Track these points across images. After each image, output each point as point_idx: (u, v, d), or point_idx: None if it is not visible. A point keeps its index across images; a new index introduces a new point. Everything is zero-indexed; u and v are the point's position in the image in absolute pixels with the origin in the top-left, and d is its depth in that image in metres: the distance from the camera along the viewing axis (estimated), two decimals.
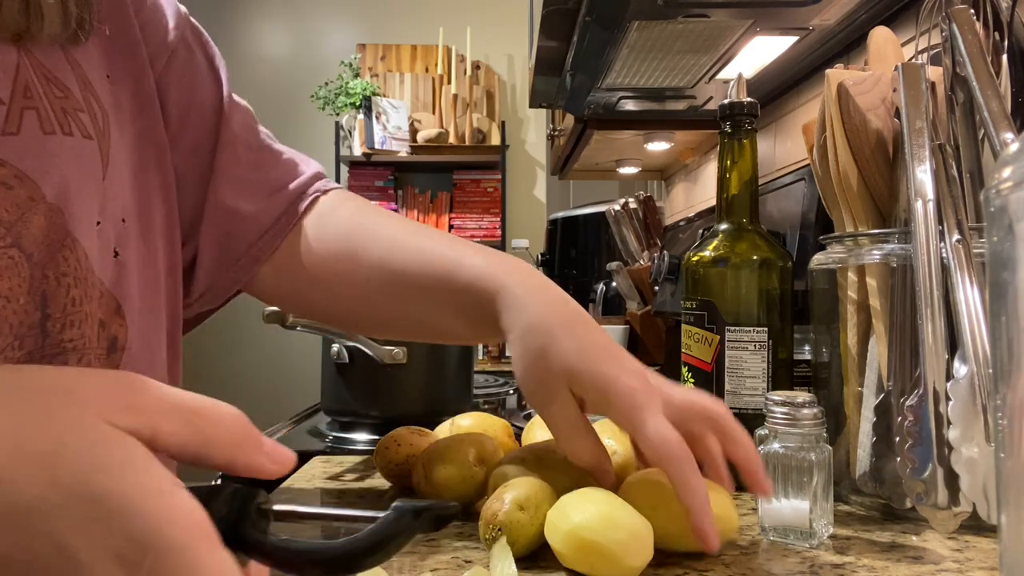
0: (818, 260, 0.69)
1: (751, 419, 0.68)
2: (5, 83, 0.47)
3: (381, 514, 0.33)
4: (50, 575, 0.26)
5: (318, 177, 0.70)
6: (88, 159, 0.51)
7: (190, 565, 0.26)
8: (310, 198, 0.68)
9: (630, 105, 1.57)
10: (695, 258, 0.73)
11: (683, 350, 0.73)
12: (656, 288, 1.71)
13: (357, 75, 3.68)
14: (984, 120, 0.56)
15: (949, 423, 0.51)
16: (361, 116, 3.53)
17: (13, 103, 0.47)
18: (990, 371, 0.49)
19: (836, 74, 0.66)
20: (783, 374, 0.70)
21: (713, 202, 1.02)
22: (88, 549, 0.26)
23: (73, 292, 0.50)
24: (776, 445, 0.56)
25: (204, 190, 0.64)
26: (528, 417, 1.02)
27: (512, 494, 0.51)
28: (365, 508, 0.35)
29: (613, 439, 0.65)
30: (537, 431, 0.72)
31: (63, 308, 0.50)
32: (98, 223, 0.52)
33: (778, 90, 1.43)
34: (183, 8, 0.64)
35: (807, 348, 0.76)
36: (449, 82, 3.69)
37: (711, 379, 0.70)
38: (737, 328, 0.70)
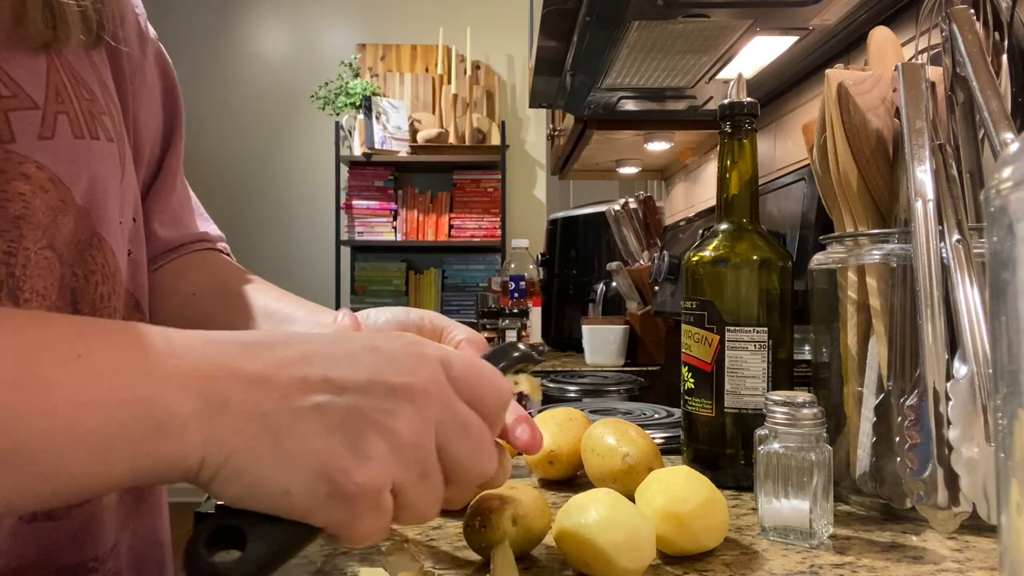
0: (818, 260, 0.69)
1: (751, 419, 0.68)
2: (38, 87, 0.48)
3: None
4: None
5: (222, 239, 0.74)
6: (110, 162, 0.53)
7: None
8: (213, 243, 0.72)
9: (630, 105, 1.57)
10: (695, 258, 0.73)
11: (683, 350, 0.73)
12: (656, 288, 1.71)
13: (357, 75, 3.68)
14: (984, 120, 0.56)
15: (949, 423, 0.51)
16: (361, 116, 3.53)
17: (47, 108, 0.48)
18: (990, 371, 0.49)
19: (836, 74, 0.66)
20: (783, 374, 0.70)
21: (713, 202, 1.02)
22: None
23: (101, 289, 0.53)
24: (776, 445, 0.56)
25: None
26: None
27: (511, 509, 0.51)
28: None
29: (619, 439, 0.65)
30: None
31: (92, 304, 0.52)
32: (120, 223, 0.55)
33: (778, 90, 1.43)
34: (153, 32, 0.65)
35: (807, 348, 0.76)
36: (449, 82, 3.69)
37: (711, 379, 0.70)
38: (737, 328, 0.70)
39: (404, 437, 0.35)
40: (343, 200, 3.69)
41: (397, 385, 0.36)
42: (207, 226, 0.72)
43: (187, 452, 0.33)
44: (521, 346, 0.47)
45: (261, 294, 0.63)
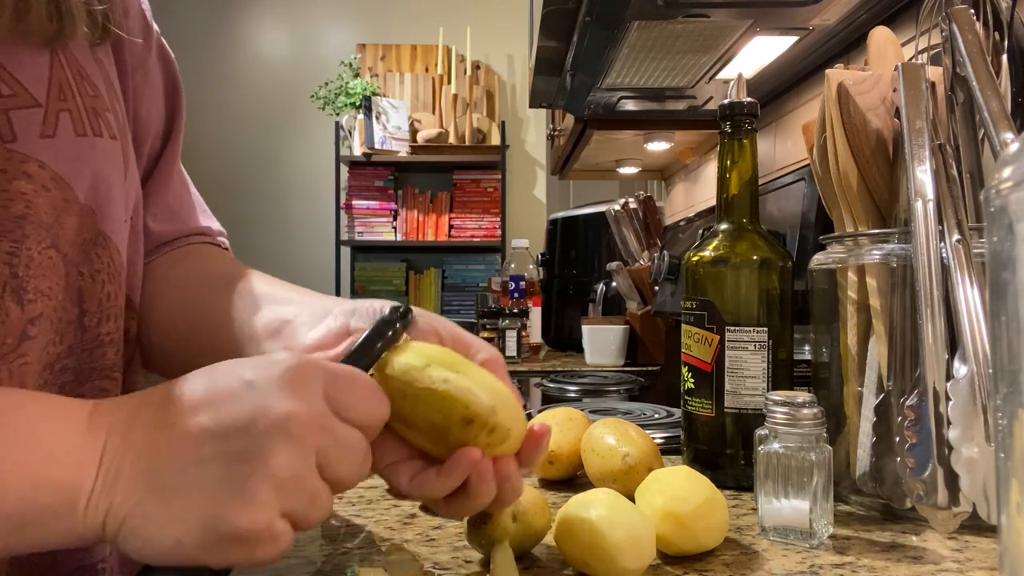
0: (818, 260, 0.69)
1: (751, 419, 0.68)
2: (40, 85, 0.47)
3: None
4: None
5: (222, 233, 0.72)
6: (114, 159, 0.53)
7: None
8: (212, 238, 0.70)
9: (630, 105, 1.57)
10: (695, 258, 0.73)
11: (683, 350, 0.73)
12: (656, 288, 1.71)
13: (357, 75, 3.68)
14: (984, 120, 0.56)
15: (949, 423, 0.51)
16: (361, 116, 3.53)
17: (49, 105, 0.47)
18: (990, 371, 0.49)
19: (836, 74, 0.66)
20: (783, 374, 0.70)
21: (713, 202, 1.02)
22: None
23: (108, 288, 0.52)
24: (776, 445, 0.56)
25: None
26: (529, 417, 1.02)
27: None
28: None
29: (619, 439, 0.65)
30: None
31: (99, 303, 0.52)
32: (124, 221, 0.55)
33: (778, 90, 1.43)
34: (156, 27, 0.64)
35: (807, 348, 0.76)
36: (449, 82, 3.69)
37: (711, 379, 0.70)
38: (737, 328, 0.70)
39: (284, 473, 0.36)
40: (343, 200, 3.69)
41: (276, 420, 0.37)
42: (208, 221, 0.70)
43: (90, 523, 0.36)
44: (386, 330, 0.44)
45: (252, 280, 0.62)
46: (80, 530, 0.36)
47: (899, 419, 0.53)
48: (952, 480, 0.50)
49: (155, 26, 0.64)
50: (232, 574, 0.40)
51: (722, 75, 1.31)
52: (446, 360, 0.43)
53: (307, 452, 0.37)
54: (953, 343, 0.53)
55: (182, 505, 0.36)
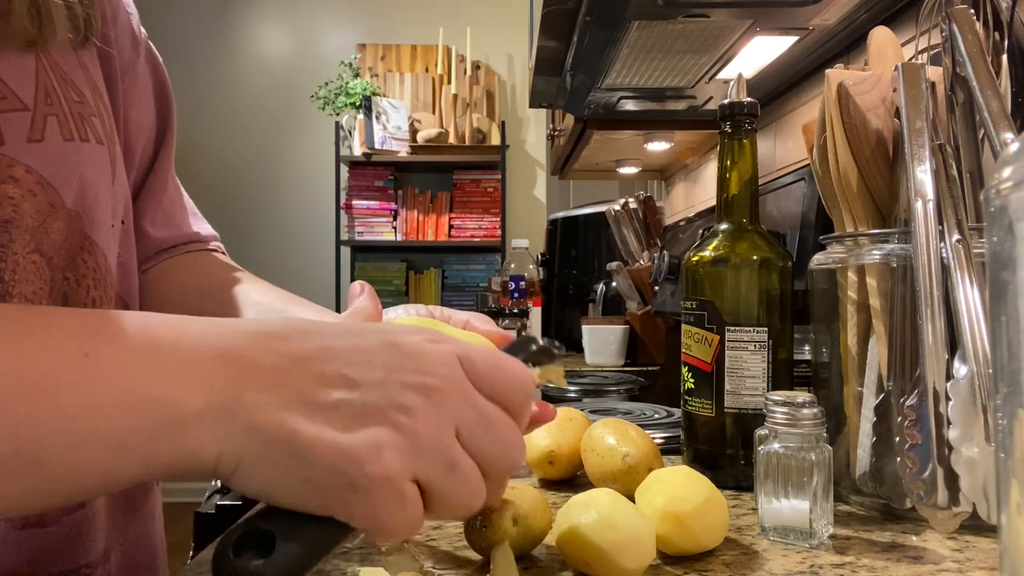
0: (818, 260, 0.69)
1: (751, 419, 0.68)
2: (28, 88, 0.47)
3: None
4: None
5: (216, 238, 0.72)
6: (101, 164, 0.52)
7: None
8: (206, 243, 0.70)
9: (630, 105, 1.57)
10: (695, 258, 0.73)
11: (683, 350, 0.73)
12: (656, 288, 1.71)
13: (357, 75, 3.68)
14: (984, 120, 0.56)
15: (949, 423, 0.51)
16: (361, 116, 3.53)
17: (37, 109, 0.47)
18: (990, 371, 0.49)
19: (836, 74, 0.66)
20: (783, 374, 0.70)
21: (713, 202, 1.02)
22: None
23: (93, 293, 0.52)
24: (776, 445, 0.56)
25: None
26: None
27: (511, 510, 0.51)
28: None
29: (619, 439, 0.65)
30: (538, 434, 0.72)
31: (84, 308, 0.51)
32: (112, 226, 0.54)
33: (778, 90, 1.43)
34: (143, 31, 0.65)
35: (807, 348, 0.76)
36: (449, 82, 3.69)
37: (711, 379, 0.70)
38: (737, 328, 0.70)
39: (419, 431, 0.35)
40: (343, 200, 3.69)
41: (412, 384, 0.36)
42: (200, 225, 0.71)
43: (202, 449, 0.33)
44: (541, 341, 0.46)
45: (262, 294, 0.62)
46: (189, 456, 0.33)
47: (899, 419, 0.53)
48: (952, 480, 0.50)
49: (143, 31, 0.64)
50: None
51: (722, 75, 1.31)
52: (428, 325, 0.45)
53: (444, 416, 0.36)
54: (953, 343, 0.53)
55: (309, 450, 0.33)
